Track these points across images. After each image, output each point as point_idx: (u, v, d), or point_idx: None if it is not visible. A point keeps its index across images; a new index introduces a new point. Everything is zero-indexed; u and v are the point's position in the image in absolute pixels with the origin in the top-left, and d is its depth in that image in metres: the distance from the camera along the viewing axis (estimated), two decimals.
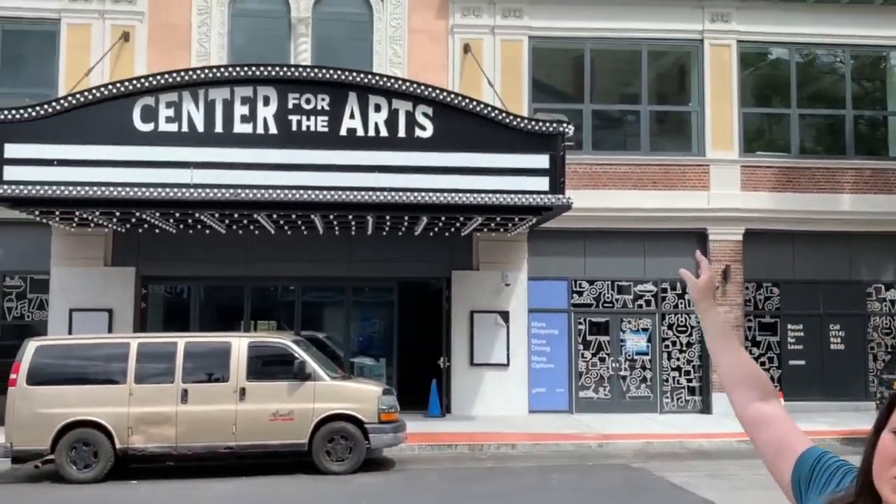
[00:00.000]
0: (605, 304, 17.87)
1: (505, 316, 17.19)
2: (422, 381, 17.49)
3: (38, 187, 13.55)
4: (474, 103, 14.45)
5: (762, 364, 18.02)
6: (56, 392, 11.81)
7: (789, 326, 18.23)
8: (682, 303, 17.97)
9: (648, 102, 18.25)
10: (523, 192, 14.20)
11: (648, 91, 18.27)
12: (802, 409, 16.07)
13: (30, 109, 13.68)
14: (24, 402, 11.75)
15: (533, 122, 14.48)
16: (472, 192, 14.09)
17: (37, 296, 16.76)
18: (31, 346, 12.09)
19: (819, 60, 19.43)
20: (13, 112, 13.64)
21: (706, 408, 17.67)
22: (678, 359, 17.94)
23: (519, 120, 14.49)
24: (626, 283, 17.91)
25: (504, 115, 14.46)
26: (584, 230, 17.43)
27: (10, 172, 13.64)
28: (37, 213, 14.69)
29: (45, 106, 13.74)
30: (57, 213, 14.69)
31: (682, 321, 18.00)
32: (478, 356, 17.06)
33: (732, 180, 17.95)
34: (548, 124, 14.40)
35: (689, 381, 17.92)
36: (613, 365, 17.76)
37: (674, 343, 17.97)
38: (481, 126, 14.32)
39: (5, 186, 13.55)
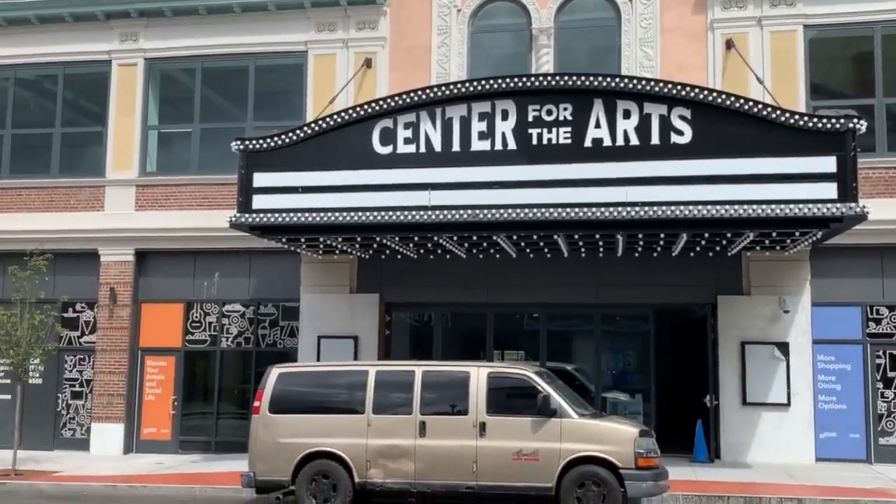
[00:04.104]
0: None
1: (784, 348, 14.85)
2: (684, 421, 15.75)
3: (283, 215, 13.63)
4: (741, 101, 12.56)
5: None
6: (296, 421, 11.57)
7: None
8: None
9: None
10: (804, 202, 12.08)
11: None
12: None
13: (276, 139, 13.88)
14: (266, 431, 11.62)
15: (815, 119, 12.30)
16: (740, 203, 12.26)
17: (288, 323, 17.04)
18: (273, 374, 11.97)
19: None
20: (260, 142, 13.89)
21: None
22: None
23: (797, 117, 12.38)
24: None
25: (778, 112, 12.43)
26: (881, 246, 14.81)
27: (259, 201, 13.86)
28: (283, 240, 14.83)
29: (290, 134, 13.90)
30: (302, 240, 14.75)
31: None
32: (751, 394, 14.85)
33: None
34: (834, 120, 12.18)
35: None
36: None
37: None
38: (750, 127, 12.46)
39: (255, 215, 13.77)
